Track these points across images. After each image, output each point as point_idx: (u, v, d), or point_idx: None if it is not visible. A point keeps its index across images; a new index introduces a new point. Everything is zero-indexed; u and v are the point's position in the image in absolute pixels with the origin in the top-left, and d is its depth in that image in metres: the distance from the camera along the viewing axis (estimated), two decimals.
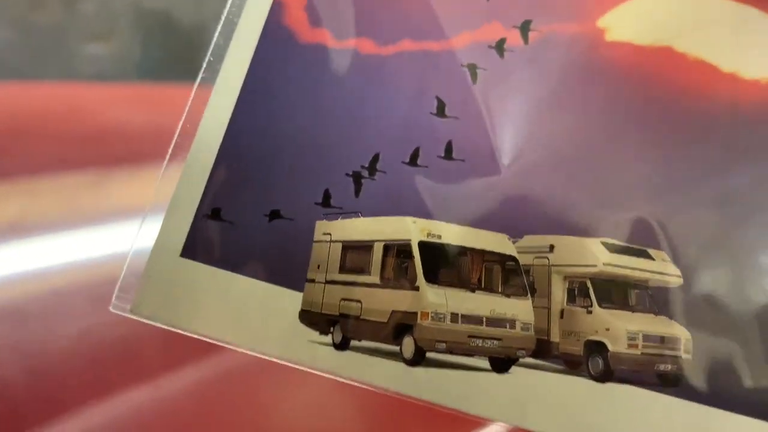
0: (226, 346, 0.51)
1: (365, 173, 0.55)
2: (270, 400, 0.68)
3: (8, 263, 0.76)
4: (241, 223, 0.53)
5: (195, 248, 0.53)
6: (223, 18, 0.57)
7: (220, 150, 0.54)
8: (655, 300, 0.54)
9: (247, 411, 0.68)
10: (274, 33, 0.58)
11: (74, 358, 0.69)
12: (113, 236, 0.75)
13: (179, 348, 0.70)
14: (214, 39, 0.56)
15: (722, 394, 0.50)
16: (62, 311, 0.70)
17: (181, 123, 0.54)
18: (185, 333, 0.51)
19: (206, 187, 0.54)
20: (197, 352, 0.70)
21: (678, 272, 0.52)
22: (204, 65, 0.56)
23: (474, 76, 0.56)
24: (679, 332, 0.51)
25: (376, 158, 0.55)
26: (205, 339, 0.51)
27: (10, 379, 0.68)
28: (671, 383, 0.51)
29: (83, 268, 0.73)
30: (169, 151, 0.54)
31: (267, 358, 0.51)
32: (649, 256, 0.53)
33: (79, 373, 0.70)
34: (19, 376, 0.68)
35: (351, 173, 0.55)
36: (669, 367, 0.52)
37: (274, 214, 0.54)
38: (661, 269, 0.53)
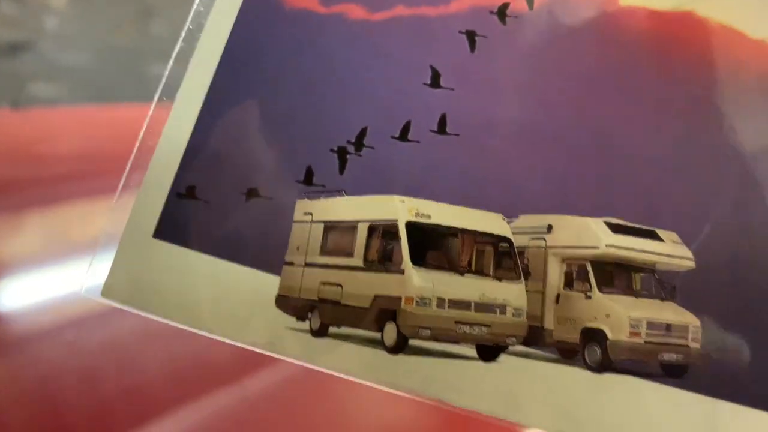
0: (199, 332, 0.49)
1: (351, 149, 0.51)
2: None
3: None
4: (216, 202, 0.51)
5: (168, 229, 0.50)
6: None
7: (196, 123, 0.52)
8: (663, 285, 0.50)
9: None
10: None
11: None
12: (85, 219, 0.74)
13: None
14: (195, 4, 0.53)
15: (731, 385, 0.45)
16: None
17: (157, 95, 0.52)
18: (156, 318, 0.49)
19: (181, 163, 0.51)
20: None
21: (689, 255, 0.48)
22: (183, 34, 0.53)
23: (472, 44, 0.53)
24: (688, 320, 0.47)
25: (363, 132, 0.51)
26: (177, 325, 0.49)
27: None
28: (676, 374, 0.47)
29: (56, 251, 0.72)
30: (144, 125, 0.51)
31: (241, 345, 0.48)
32: (657, 237, 0.49)
33: None
34: None
35: (336, 149, 0.51)
36: (675, 356, 0.48)
37: (252, 193, 0.51)
38: (670, 251, 0.48)
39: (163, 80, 0.52)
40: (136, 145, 0.51)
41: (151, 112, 0.51)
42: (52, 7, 1.76)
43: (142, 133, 0.51)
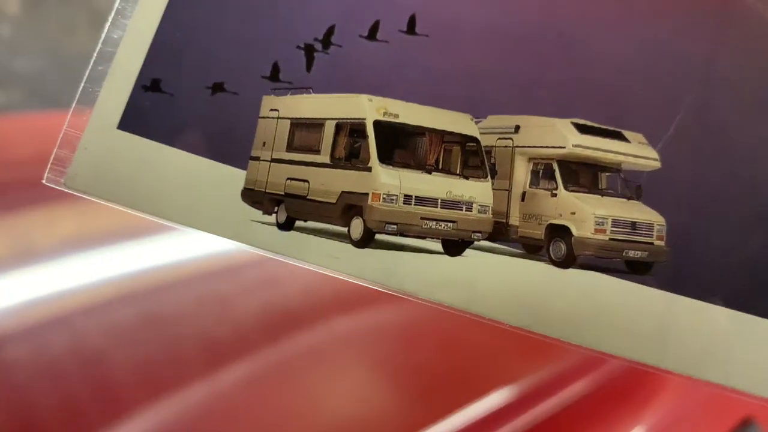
0: (163, 222, 0.48)
1: (318, 46, 0.51)
2: None
3: None
4: (181, 96, 0.50)
5: (133, 120, 0.50)
6: None
7: (163, 16, 0.51)
8: (628, 184, 0.50)
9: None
10: None
11: None
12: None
13: None
14: None
15: (693, 282, 0.46)
16: None
17: None
18: (120, 208, 0.48)
19: (146, 57, 0.50)
20: None
21: (655, 155, 0.48)
22: None
23: None
24: (653, 218, 0.47)
25: (330, 30, 0.51)
26: (140, 215, 0.48)
27: None
28: (641, 271, 0.47)
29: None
30: (110, 17, 0.50)
31: (206, 234, 0.48)
32: (623, 138, 0.49)
33: None
34: None
35: (303, 45, 0.51)
36: (639, 254, 0.48)
37: (217, 87, 0.50)
38: (636, 152, 0.49)
39: None
40: (102, 37, 0.50)
41: (116, 4, 0.51)
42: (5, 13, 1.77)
43: (107, 26, 0.50)
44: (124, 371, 0.66)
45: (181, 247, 0.76)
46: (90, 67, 0.49)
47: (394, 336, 0.71)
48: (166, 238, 0.77)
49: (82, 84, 0.50)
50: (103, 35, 0.50)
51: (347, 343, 0.69)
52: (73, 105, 0.49)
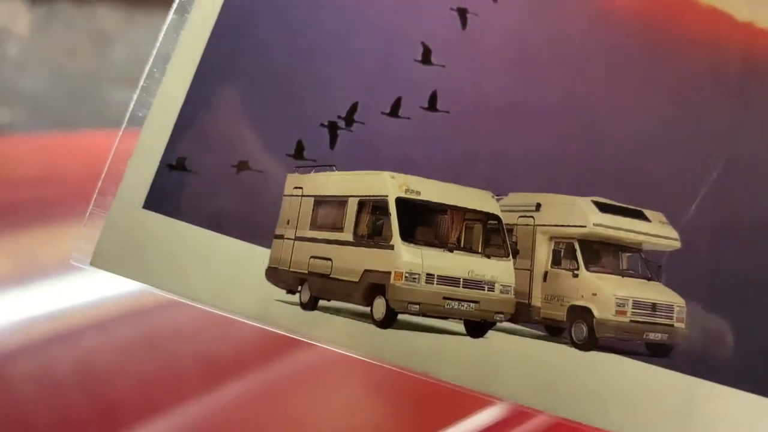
0: (188, 302, 0.49)
1: (342, 124, 0.51)
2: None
3: None
4: (206, 174, 0.51)
5: (158, 199, 0.50)
6: None
7: (187, 95, 0.51)
8: (649, 264, 0.50)
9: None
10: None
11: None
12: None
13: None
14: None
15: (715, 366, 0.46)
16: None
17: (147, 66, 0.51)
18: (145, 287, 0.49)
19: (172, 134, 0.51)
20: None
21: (676, 235, 0.48)
22: (175, 3, 0.53)
23: (464, 20, 0.53)
24: (673, 299, 0.48)
25: (354, 108, 0.51)
26: (165, 294, 0.49)
27: None
28: (661, 353, 0.47)
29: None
30: (134, 97, 0.51)
31: (230, 316, 0.48)
32: (644, 217, 0.49)
33: None
34: None
35: (326, 123, 0.51)
36: (660, 336, 0.48)
37: (242, 165, 0.51)
38: (657, 231, 0.49)
39: (154, 52, 0.52)
40: (126, 116, 0.51)
41: (141, 83, 0.51)
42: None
43: (131, 105, 0.51)
44: (124, 389, 0.67)
45: None
46: (115, 145, 0.50)
47: None
48: None
49: (108, 162, 0.50)
50: (128, 114, 0.51)
51: (345, 363, 0.68)
52: (99, 184, 0.50)
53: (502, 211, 0.51)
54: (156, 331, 0.69)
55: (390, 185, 0.51)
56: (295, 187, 0.52)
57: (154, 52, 0.52)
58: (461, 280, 0.50)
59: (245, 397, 0.66)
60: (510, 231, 0.52)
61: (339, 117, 0.51)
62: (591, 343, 0.48)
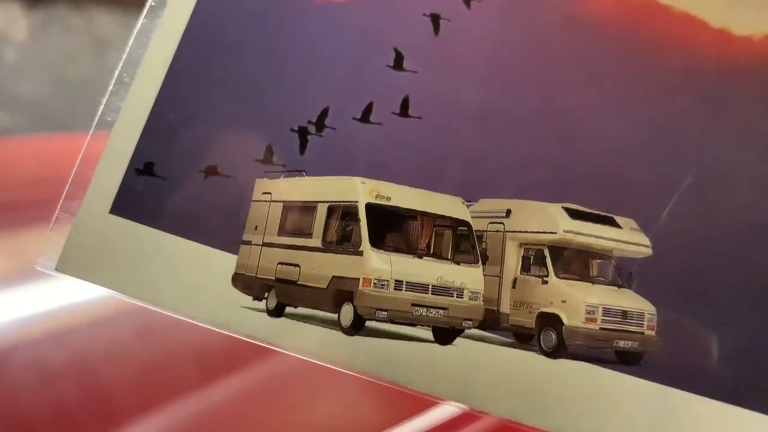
0: (155, 308, 0.48)
1: (312, 129, 0.51)
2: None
3: None
4: (174, 179, 0.50)
5: (125, 205, 0.50)
6: None
7: (156, 100, 0.51)
8: (620, 271, 0.50)
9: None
10: None
11: None
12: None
13: None
14: None
15: (685, 374, 0.45)
16: None
17: (117, 71, 0.51)
18: (111, 293, 0.48)
19: (140, 139, 0.50)
20: None
21: (647, 242, 0.48)
22: (145, 10, 0.52)
23: (436, 26, 0.52)
24: (644, 307, 0.47)
25: (324, 113, 0.51)
26: (131, 300, 0.48)
27: None
28: (631, 361, 0.47)
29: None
30: (103, 101, 0.50)
31: (195, 323, 0.48)
32: (615, 224, 0.49)
33: None
34: None
35: (296, 128, 0.51)
36: (630, 344, 0.48)
37: (211, 170, 0.50)
38: (628, 238, 0.48)
39: (124, 56, 0.51)
40: (95, 120, 0.50)
41: (111, 87, 0.51)
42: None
43: (101, 109, 0.51)
44: (90, 397, 0.66)
45: None
46: (83, 149, 0.50)
47: None
48: None
49: (75, 167, 0.50)
50: (96, 118, 0.50)
51: (312, 370, 0.68)
52: (66, 188, 0.49)
53: (472, 217, 0.51)
54: (122, 337, 0.68)
55: (360, 191, 0.51)
56: (264, 193, 0.51)
57: (124, 56, 0.51)
58: (430, 286, 0.50)
59: (212, 405, 0.65)
60: (480, 237, 0.51)
61: (309, 122, 0.51)
62: (560, 350, 0.47)
